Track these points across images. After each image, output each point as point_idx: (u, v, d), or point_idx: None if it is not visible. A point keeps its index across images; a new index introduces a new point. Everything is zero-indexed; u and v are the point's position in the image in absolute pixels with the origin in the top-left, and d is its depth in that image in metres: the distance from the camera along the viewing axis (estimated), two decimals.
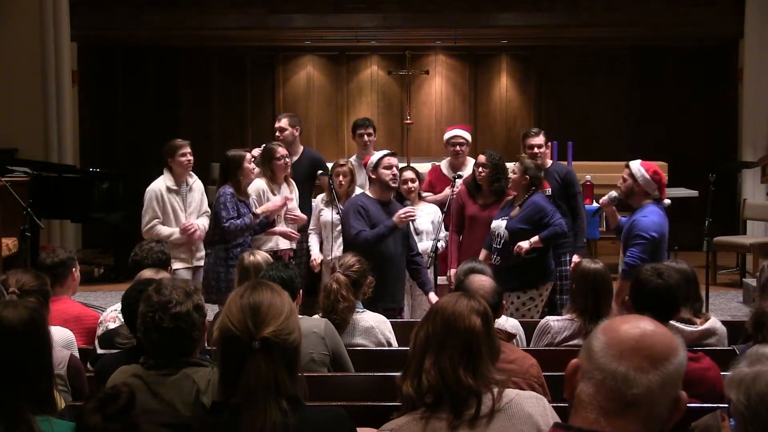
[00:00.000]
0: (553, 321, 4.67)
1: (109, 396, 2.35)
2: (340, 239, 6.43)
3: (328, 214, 6.66)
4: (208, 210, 6.70)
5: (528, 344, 4.78)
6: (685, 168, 10.98)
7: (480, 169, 6.47)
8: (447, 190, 6.87)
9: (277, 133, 7.12)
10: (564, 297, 6.25)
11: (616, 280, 5.65)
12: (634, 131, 12.31)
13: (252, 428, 2.22)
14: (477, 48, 12.84)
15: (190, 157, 6.62)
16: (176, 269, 6.41)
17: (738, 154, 11.55)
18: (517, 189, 6.19)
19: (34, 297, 3.76)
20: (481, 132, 12.58)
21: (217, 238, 6.28)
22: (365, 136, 7.33)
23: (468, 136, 7.26)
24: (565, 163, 8.29)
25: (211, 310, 5.11)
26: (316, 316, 4.55)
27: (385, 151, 6.13)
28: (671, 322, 3.88)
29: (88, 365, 3.98)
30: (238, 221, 6.17)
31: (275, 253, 6.27)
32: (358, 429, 2.49)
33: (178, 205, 6.59)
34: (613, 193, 5.74)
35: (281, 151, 6.62)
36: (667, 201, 5.74)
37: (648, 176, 5.55)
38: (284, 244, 6.65)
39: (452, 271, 6.18)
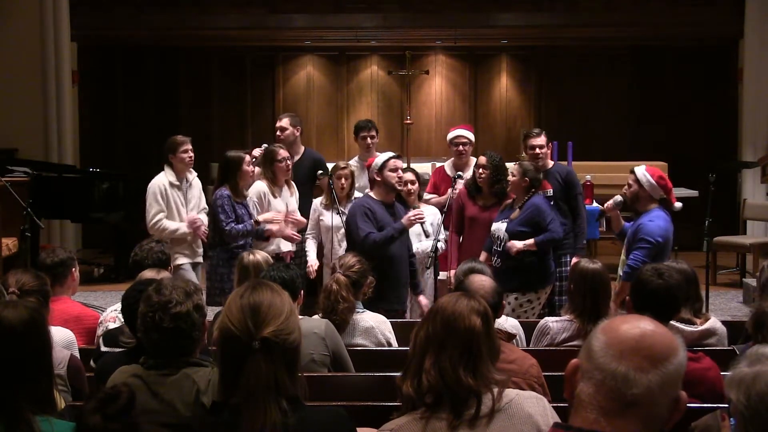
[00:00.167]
0: (552, 322, 4.66)
1: (109, 396, 2.35)
2: (344, 242, 6.42)
3: (329, 218, 6.65)
4: (206, 207, 6.72)
5: (528, 345, 4.78)
6: (685, 168, 10.98)
7: (480, 170, 6.46)
8: (448, 191, 6.87)
9: (278, 133, 7.11)
10: (563, 298, 6.24)
11: (616, 280, 5.66)
12: (634, 131, 12.31)
13: (252, 428, 2.22)
14: (477, 48, 12.84)
15: (192, 154, 6.65)
16: (180, 264, 6.43)
17: (738, 154, 11.56)
18: (517, 191, 6.18)
19: (34, 297, 3.76)
20: (481, 132, 12.56)
21: (217, 239, 6.28)
22: (368, 138, 7.29)
23: (471, 136, 7.25)
24: (565, 163, 8.28)
25: (211, 310, 5.11)
26: (316, 317, 4.55)
27: (390, 154, 6.12)
28: (671, 322, 3.88)
29: (92, 363, 3.98)
30: (240, 226, 6.17)
31: (277, 256, 6.25)
32: (358, 429, 2.49)
33: (180, 201, 6.62)
34: (618, 198, 5.73)
35: (282, 153, 6.60)
36: (678, 205, 5.72)
37: (653, 181, 5.55)
38: (286, 247, 6.63)
39: (452, 272, 6.18)
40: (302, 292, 4.29)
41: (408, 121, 10.76)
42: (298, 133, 7.16)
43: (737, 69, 11.64)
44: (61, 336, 4.02)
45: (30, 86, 11.02)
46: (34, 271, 4.09)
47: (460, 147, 7.14)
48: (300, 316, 3.41)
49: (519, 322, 4.96)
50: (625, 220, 5.99)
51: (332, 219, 6.59)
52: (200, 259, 6.67)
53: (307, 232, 6.83)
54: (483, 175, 6.44)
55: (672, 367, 1.73)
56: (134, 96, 12.67)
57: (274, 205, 6.53)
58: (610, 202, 5.80)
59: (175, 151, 6.59)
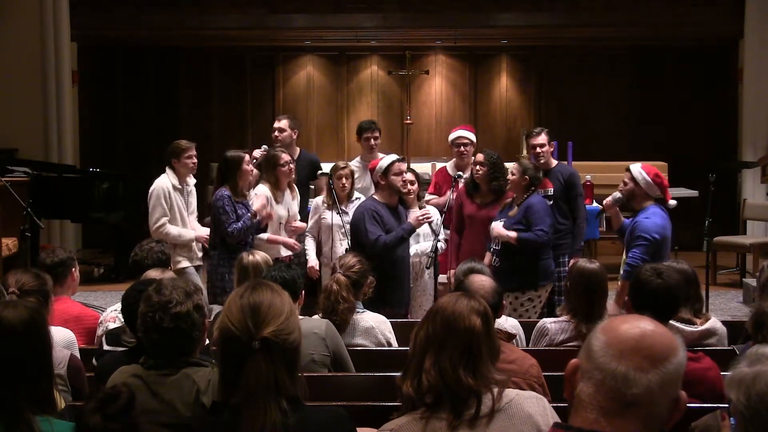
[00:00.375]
0: (549, 323, 4.65)
1: (109, 396, 2.35)
2: (345, 241, 6.42)
3: (330, 217, 6.65)
4: (195, 210, 6.81)
5: (528, 345, 4.78)
6: (685, 168, 10.98)
7: (477, 167, 6.46)
8: (448, 192, 6.86)
9: (276, 133, 7.10)
10: (562, 298, 6.25)
11: (616, 280, 5.66)
12: (634, 131, 12.30)
13: (252, 428, 2.22)
14: (477, 48, 12.83)
15: (195, 160, 6.69)
16: (184, 267, 6.44)
17: (738, 154, 11.55)
18: (517, 190, 6.18)
19: (34, 297, 3.76)
20: (481, 132, 12.51)
21: (218, 240, 6.28)
22: (372, 139, 7.28)
23: (473, 136, 7.25)
24: (565, 163, 8.28)
25: (213, 310, 5.12)
26: (316, 317, 4.55)
27: (394, 156, 6.12)
28: (671, 322, 3.88)
29: (94, 362, 3.98)
30: (239, 224, 6.17)
31: (276, 260, 6.24)
32: (358, 429, 2.49)
33: (182, 204, 6.65)
34: (617, 194, 5.74)
35: (285, 157, 6.57)
36: (673, 202, 5.73)
37: (649, 179, 5.56)
38: (285, 252, 6.61)
39: (452, 272, 6.18)
40: (303, 292, 4.29)
41: (408, 121, 10.76)
42: (295, 136, 7.18)
43: (737, 69, 11.63)
44: (62, 336, 4.02)
45: (30, 86, 11.02)
46: (34, 271, 4.09)
47: (462, 148, 7.14)
48: (300, 317, 3.41)
49: (519, 322, 4.96)
50: (626, 218, 5.98)
51: (332, 219, 6.59)
52: (199, 262, 6.69)
53: (306, 230, 6.84)
54: (480, 172, 6.43)
55: (672, 367, 1.73)
56: (134, 96, 12.66)
57: (276, 210, 6.52)
58: (609, 198, 5.80)
59: (179, 156, 6.61)
